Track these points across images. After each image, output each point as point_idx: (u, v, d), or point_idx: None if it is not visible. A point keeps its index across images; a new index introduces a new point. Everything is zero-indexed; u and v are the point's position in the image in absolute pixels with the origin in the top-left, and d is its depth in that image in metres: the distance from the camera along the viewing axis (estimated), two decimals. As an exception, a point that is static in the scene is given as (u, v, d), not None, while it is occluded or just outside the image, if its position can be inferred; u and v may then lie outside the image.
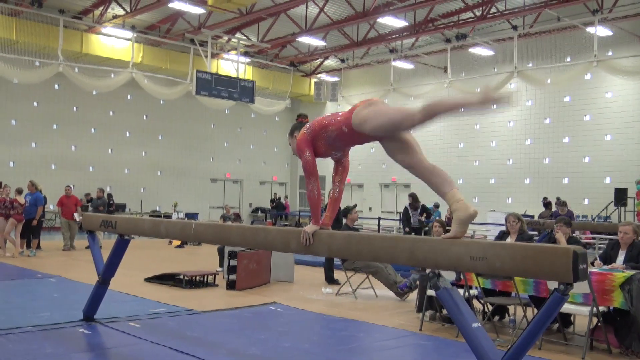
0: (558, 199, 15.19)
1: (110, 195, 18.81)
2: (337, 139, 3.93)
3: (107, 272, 5.93)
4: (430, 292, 6.70)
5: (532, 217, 12.96)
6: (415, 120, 3.56)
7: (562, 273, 2.76)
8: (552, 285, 5.75)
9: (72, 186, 15.54)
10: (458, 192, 3.49)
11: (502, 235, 7.32)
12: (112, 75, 20.81)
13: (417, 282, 7.86)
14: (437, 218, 9.65)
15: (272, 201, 26.89)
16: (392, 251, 3.49)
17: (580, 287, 5.09)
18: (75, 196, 15.04)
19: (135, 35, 20.40)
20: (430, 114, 3.48)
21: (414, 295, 8.18)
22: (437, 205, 17.50)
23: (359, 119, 3.74)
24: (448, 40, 21.10)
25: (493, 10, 18.63)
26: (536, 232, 10.92)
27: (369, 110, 3.71)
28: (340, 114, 3.96)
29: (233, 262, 9.20)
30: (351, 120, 3.79)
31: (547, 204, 15.63)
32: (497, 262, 2.98)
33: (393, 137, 3.74)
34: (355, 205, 9.96)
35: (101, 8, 19.52)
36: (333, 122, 3.93)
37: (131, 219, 5.76)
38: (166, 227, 5.22)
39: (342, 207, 10.40)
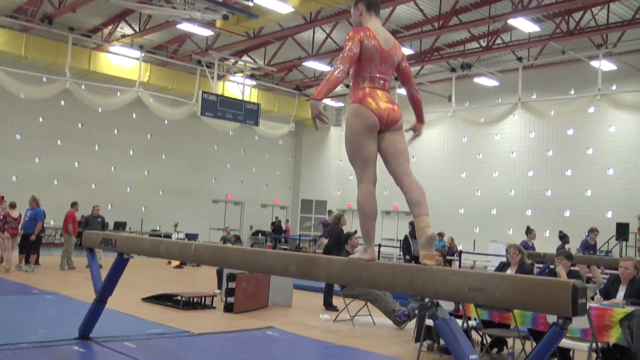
0: (560, 232, 15.18)
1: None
2: None
3: (105, 290, 5.91)
4: (429, 322, 6.66)
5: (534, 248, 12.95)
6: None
7: (561, 307, 2.75)
8: (551, 318, 5.72)
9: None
10: (427, 218, 3.64)
11: (503, 267, 7.31)
12: (119, 94, 20.93)
13: (416, 311, 7.82)
14: (439, 248, 9.61)
15: (272, 224, 26.85)
16: (391, 279, 3.48)
17: (580, 322, 5.07)
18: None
19: (143, 54, 20.58)
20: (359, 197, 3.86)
21: (412, 324, 8.12)
22: (441, 235, 17.46)
23: None
24: (453, 70, 21.25)
25: (498, 41, 18.80)
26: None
27: None
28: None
29: (232, 285, 9.16)
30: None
31: (562, 236, 15.63)
32: (497, 293, 2.97)
33: (388, 142, 3.83)
34: (355, 232, 9.93)
35: (110, 27, 19.72)
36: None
37: (131, 237, 5.76)
38: (166, 247, 5.22)
39: (343, 233, 10.42)
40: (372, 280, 3.61)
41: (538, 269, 9.92)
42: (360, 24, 3.96)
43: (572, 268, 6.88)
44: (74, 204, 14.94)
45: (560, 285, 2.77)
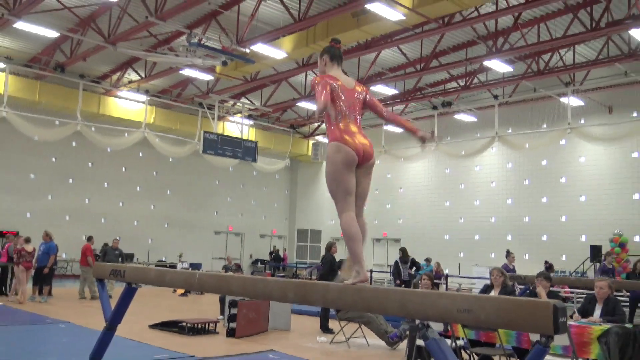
0: (546, 262, 15.41)
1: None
2: None
3: (115, 318, 5.80)
4: (420, 342, 6.58)
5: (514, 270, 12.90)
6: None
7: (543, 326, 2.72)
8: (534, 337, 5.67)
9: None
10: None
11: (487, 289, 7.27)
12: (126, 135, 20.96)
13: (407, 332, 7.74)
14: (427, 272, 9.59)
15: (271, 253, 26.68)
16: (384, 302, 3.44)
17: (561, 340, 5.02)
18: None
19: (148, 98, 20.68)
20: (342, 227, 3.88)
21: (404, 345, 8.04)
22: (428, 260, 17.40)
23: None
24: (435, 107, 21.44)
25: (475, 81, 19.01)
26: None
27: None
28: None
29: (233, 311, 9.08)
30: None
31: (548, 267, 15.70)
32: (482, 314, 2.93)
33: (357, 182, 3.93)
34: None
35: (118, 73, 19.85)
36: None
37: (139, 268, 5.70)
38: (171, 276, 5.16)
39: (337, 260, 10.37)
40: (365, 304, 3.57)
41: (520, 290, 9.85)
42: (325, 72, 4.12)
43: (551, 289, 6.85)
44: (90, 238, 14.93)
45: (541, 306, 2.75)
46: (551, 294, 6.58)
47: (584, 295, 13.67)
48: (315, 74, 19.29)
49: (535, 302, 2.81)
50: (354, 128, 3.90)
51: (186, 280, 4.94)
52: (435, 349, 3.19)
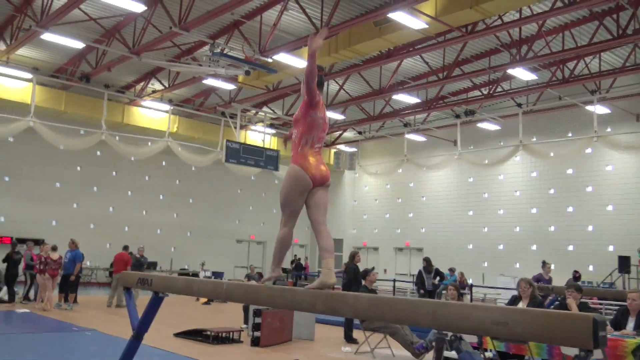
0: (575, 271, 15.28)
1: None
2: None
3: (141, 327, 5.82)
4: (447, 354, 6.50)
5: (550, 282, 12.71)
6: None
7: (582, 340, 2.65)
8: (566, 350, 5.57)
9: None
10: (331, 261, 4.05)
11: (515, 300, 7.15)
12: (149, 144, 21.15)
13: (433, 343, 7.65)
14: (452, 282, 9.47)
15: (292, 262, 26.66)
16: (415, 314, 3.39)
17: (595, 354, 4.92)
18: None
19: (171, 107, 20.90)
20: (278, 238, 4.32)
21: (430, 356, 7.94)
22: (452, 270, 17.23)
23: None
24: (457, 116, 21.29)
25: (499, 89, 18.86)
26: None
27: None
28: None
29: (258, 320, 9.07)
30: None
31: (576, 277, 15.46)
32: (519, 327, 2.88)
33: (316, 196, 4.18)
34: (373, 268, 9.84)
35: (142, 83, 20.09)
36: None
37: (166, 277, 5.72)
38: (199, 285, 5.17)
39: (360, 269, 10.31)
40: (396, 316, 3.52)
41: (548, 301, 9.70)
42: None
43: (582, 300, 6.72)
44: (126, 247, 15.06)
45: (581, 319, 2.68)
46: (582, 306, 6.45)
47: (613, 307, 13.43)
48: (337, 83, 19.39)
49: (574, 316, 2.75)
50: (317, 157, 4.20)
51: (214, 289, 4.94)
52: (469, 362, 3.14)
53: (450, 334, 3.24)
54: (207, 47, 15.79)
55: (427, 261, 13.95)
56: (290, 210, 4.24)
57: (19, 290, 14.41)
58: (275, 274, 4.44)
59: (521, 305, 6.91)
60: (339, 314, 3.83)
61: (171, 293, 5.82)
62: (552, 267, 18.85)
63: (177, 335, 9.63)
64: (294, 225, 4.32)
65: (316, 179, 4.13)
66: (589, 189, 19.72)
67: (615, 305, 12.55)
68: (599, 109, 17.85)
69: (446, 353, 6.55)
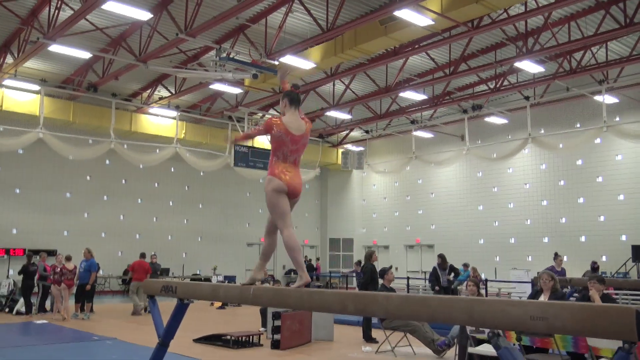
0: (594, 262, 15.24)
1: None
2: None
3: (167, 334, 5.85)
4: (472, 350, 6.50)
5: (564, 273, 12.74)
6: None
7: (625, 332, 2.66)
8: (592, 341, 5.55)
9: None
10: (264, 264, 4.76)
11: (536, 294, 7.14)
12: (158, 151, 21.22)
13: (455, 340, 7.64)
14: (471, 278, 9.46)
15: (303, 263, 26.66)
16: (450, 312, 3.40)
17: (613, 343, 4.89)
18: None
19: (179, 114, 20.95)
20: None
21: (451, 353, 7.94)
22: (466, 265, 17.20)
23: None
24: (464, 111, 21.27)
25: (505, 82, 18.81)
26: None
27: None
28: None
29: (277, 323, 9.08)
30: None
31: (595, 268, 15.43)
32: (558, 322, 2.88)
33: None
34: (391, 267, 9.86)
35: (149, 91, 20.14)
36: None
37: (190, 284, 5.74)
38: (225, 291, 5.19)
39: (378, 269, 10.31)
40: (430, 314, 3.52)
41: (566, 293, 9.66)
42: (284, 112, 4.81)
43: (604, 292, 6.70)
44: (143, 255, 15.15)
45: (623, 312, 2.68)
46: (605, 298, 6.43)
47: (629, 297, 13.38)
48: (343, 83, 19.40)
49: (616, 308, 2.75)
50: (290, 169, 4.66)
51: (241, 294, 4.95)
52: (509, 358, 3.14)
53: (488, 330, 3.23)
54: (213, 52, 15.84)
55: (442, 258, 13.94)
56: (280, 212, 4.60)
57: (34, 302, 14.46)
58: (303, 281, 4.54)
59: (542, 298, 6.89)
60: (371, 314, 3.84)
61: (197, 299, 5.85)
62: (565, 258, 18.88)
63: (197, 340, 9.65)
64: (291, 224, 4.64)
65: (289, 186, 4.60)
66: (600, 179, 19.66)
67: (633, 294, 12.51)
68: (608, 99, 17.77)
69: (471, 350, 6.56)
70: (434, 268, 13.95)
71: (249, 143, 21.86)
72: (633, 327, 2.63)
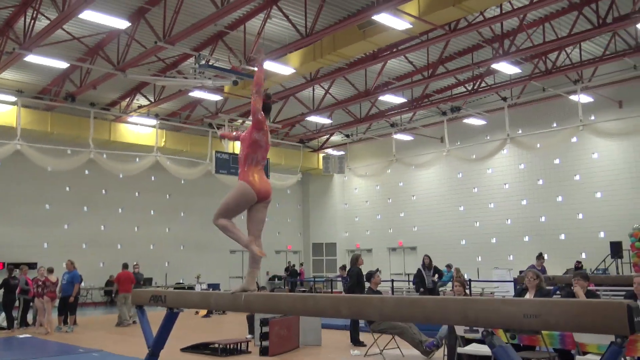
0: (577, 262, 15.46)
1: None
2: None
3: (157, 344, 5.81)
4: (461, 350, 6.56)
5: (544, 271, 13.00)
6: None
7: (618, 327, 2.71)
8: (579, 337, 5.63)
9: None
10: (257, 272, 4.87)
11: (521, 292, 7.23)
12: (137, 160, 21.05)
13: (444, 340, 7.70)
14: (458, 278, 9.52)
15: (286, 269, 26.63)
16: (444, 312, 3.43)
17: (604, 338, 4.97)
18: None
19: (158, 122, 20.81)
20: (219, 226, 4.81)
21: (440, 353, 8.00)
22: (449, 266, 17.30)
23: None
24: (443, 113, 21.47)
25: (483, 84, 19.05)
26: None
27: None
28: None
29: (265, 329, 9.06)
30: None
31: (578, 268, 15.70)
32: (551, 319, 2.93)
33: (257, 211, 4.81)
34: (377, 270, 9.90)
35: (128, 99, 19.98)
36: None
37: (180, 292, 5.72)
38: (216, 299, 5.17)
39: (364, 272, 10.34)
40: (425, 315, 3.55)
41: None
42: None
43: (589, 288, 6.82)
44: (126, 265, 15.00)
45: (614, 307, 2.74)
46: (589, 294, 6.54)
47: (610, 292, 13.60)
48: (323, 87, 19.46)
49: (608, 304, 2.81)
50: (260, 174, 4.78)
51: (232, 301, 4.94)
52: (503, 357, 3.18)
53: (482, 330, 3.27)
54: (191, 60, 15.77)
55: (429, 258, 13.99)
56: (232, 211, 4.80)
57: (16, 316, 14.20)
58: (257, 249, 4.77)
59: (528, 296, 6.98)
60: (365, 317, 3.87)
61: (187, 308, 5.82)
62: (545, 257, 19.15)
63: (185, 350, 9.59)
64: (231, 222, 4.84)
65: (261, 194, 4.69)
66: (577, 177, 19.97)
67: (613, 290, 12.73)
68: (583, 98, 18.10)
69: (460, 350, 6.62)
70: (419, 270, 14.01)
71: (230, 149, 21.79)
72: (625, 322, 2.69)
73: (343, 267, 16.83)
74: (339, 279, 20.27)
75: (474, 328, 5.57)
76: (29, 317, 14.09)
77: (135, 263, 16.53)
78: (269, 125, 4.93)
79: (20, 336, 12.03)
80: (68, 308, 13.33)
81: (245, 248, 4.77)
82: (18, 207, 20.23)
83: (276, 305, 4.62)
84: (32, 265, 17.39)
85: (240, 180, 4.72)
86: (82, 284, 19.49)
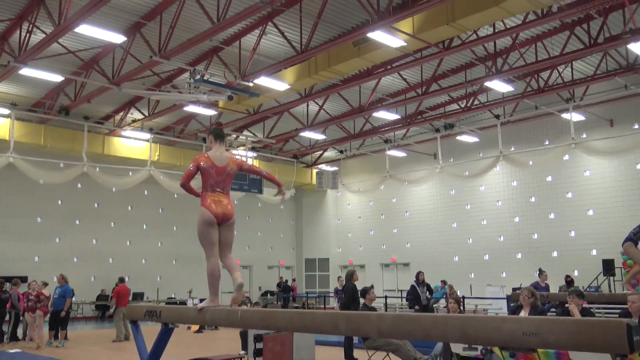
0: (567, 276, 15.44)
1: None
2: None
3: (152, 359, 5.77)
4: (456, 367, 6.54)
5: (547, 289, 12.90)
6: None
7: (617, 345, 2.72)
8: (574, 355, 5.64)
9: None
10: (239, 273, 5.29)
11: (516, 309, 7.23)
12: (131, 173, 20.99)
13: (439, 358, 7.68)
14: (453, 296, 9.52)
15: (279, 285, 26.51)
16: (443, 329, 3.44)
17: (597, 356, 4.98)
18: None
19: (152, 136, 20.80)
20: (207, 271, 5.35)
21: (434, 371, 7.96)
22: (444, 282, 17.29)
23: None
24: (437, 130, 21.59)
25: (476, 102, 19.19)
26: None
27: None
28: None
29: (259, 345, 8.99)
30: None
31: (570, 281, 15.68)
32: (551, 337, 2.94)
33: (221, 234, 5.23)
34: (372, 286, 9.87)
35: (122, 113, 19.97)
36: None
37: (175, 308, 5.70)
38: (212, 314, 5.15)
39: (359, 288, 10.31)
40: (424, 332, 3.55)
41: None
42: (210, 148, 5.34)
43: (583, 306, 6.83)
44: (122, 279, 14.89)
45: (613, 325, 2.76)
46: (584, 312, 6.55)
47: (603, 310, 13.63)
48: (317, 103, 19.54)
49: (607, 322, 2.82)
50: (218, 197, 5.12)
51: (228, 317, 4.94)
52: (503, 374, 3.19)
53: (481, 347, 3.27)
54: (187, 74, 15.80)
55: (423, 274, 13.97)
56: (208, 242, 5.12)
57: (6, 330, 14.05)
58: (214, 303, 5.13)
59: (522, 314, 6.99)
60: (362, 333, 3.86)
61: (182, 324, 5.79)
62: (537, 274, 19.16)
63: (178, 366, 9.48)
64: (217, 254, 5.22)
65: (219, 217, 5.05)
66: (569, 195, 20.08)
67: (606, 308, 12.76)
68: (574, 117, 18.26)
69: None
70: (412, 286, 13.98)
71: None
72: (624, 341, 2.70)
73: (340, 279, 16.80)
74: (331, 295, 20.23)
75: (473, 345, 5.56)
76: (19, 332, 13.94)
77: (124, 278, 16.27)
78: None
79: (11, 351, 11.88)
80: (59, 323, 13.19)
81: (209, 290, 5.25)
82: (9, 220, 20.08)
83: (274, 321, 4.61)
84: (23, 279, 17.20)
85: (200, 207, 5.12)
86: (74, 298, 19.47)
